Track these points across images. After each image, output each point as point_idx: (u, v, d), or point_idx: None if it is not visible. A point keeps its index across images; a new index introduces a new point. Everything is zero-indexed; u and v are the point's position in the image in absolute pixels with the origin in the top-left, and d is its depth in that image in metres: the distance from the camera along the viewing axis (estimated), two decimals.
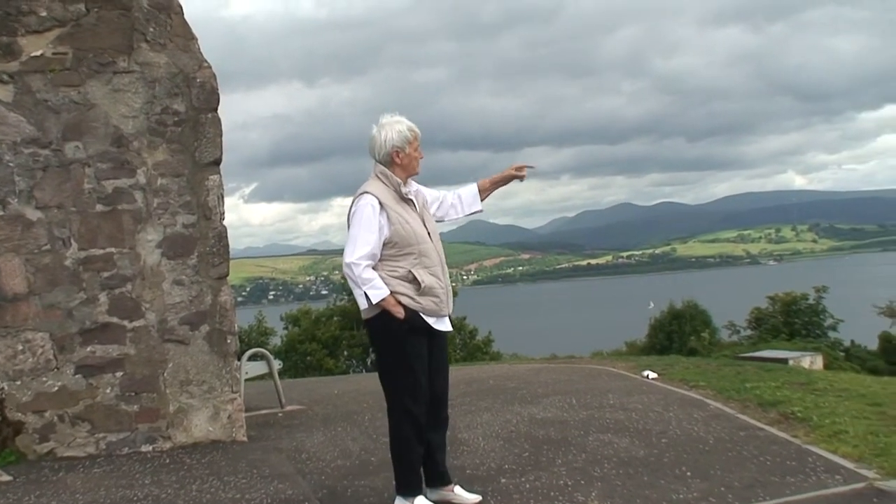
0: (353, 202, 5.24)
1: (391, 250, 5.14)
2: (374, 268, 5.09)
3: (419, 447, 5.22)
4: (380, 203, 5.14)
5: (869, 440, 6.20)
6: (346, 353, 36.99)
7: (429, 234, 5.29)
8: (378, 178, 5.29)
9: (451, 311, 5.41)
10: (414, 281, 5.12)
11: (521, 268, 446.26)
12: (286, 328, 39.43)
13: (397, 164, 5.25)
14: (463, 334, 41.24)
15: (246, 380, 9.42)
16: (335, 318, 37.72)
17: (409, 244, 5.15)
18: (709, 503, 5.11)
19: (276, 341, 39.15)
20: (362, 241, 5.07)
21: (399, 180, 5.25)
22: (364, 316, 5.24)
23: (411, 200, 5.32)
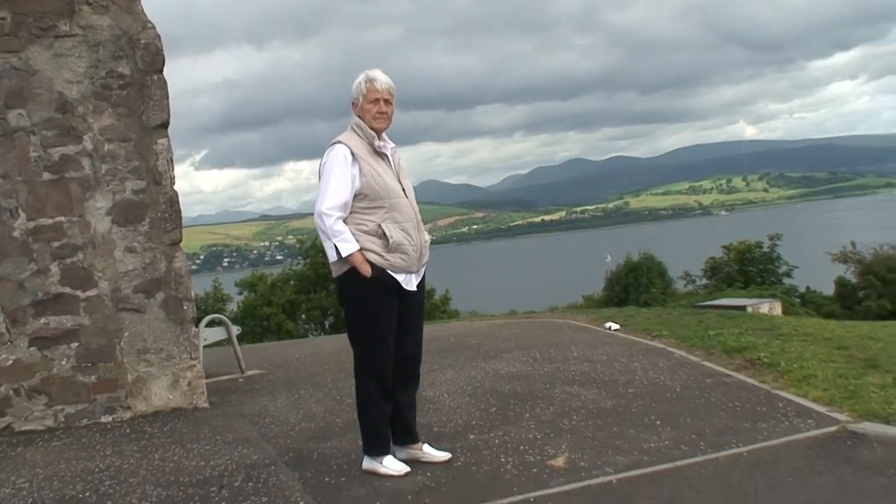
0: (325, 152, 5.11)
1: (361, 203, 5.02)
2: (343, 221, 4.97)
3: (385, 405, 5.12)
4: (352, 153, 5.02)
5: (839, 383, 6.20)
6: (304, 316, 36.90)
7: (403, 190, 5.17)
8: (353, 129, 5.18)
9: (422, 269, 5.28)
10: (383, 237, 5.00)
11: (475, 226, 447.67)
12: (241, 294, 39.24)
13: (359, 116, 5.14)
14: None
15: (204, 346, 9.29)
16: (291, 283, 37.59)
17: (380, 197, 5.02)
18: (681, 451, 5.07)
19: (232, 307, 38.96)
20: (333, 190, 4.95)
21: (373, 133, 5.13)
22: (334, 273, 5.14)
23: (386, 155, 5.19)
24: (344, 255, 4.93)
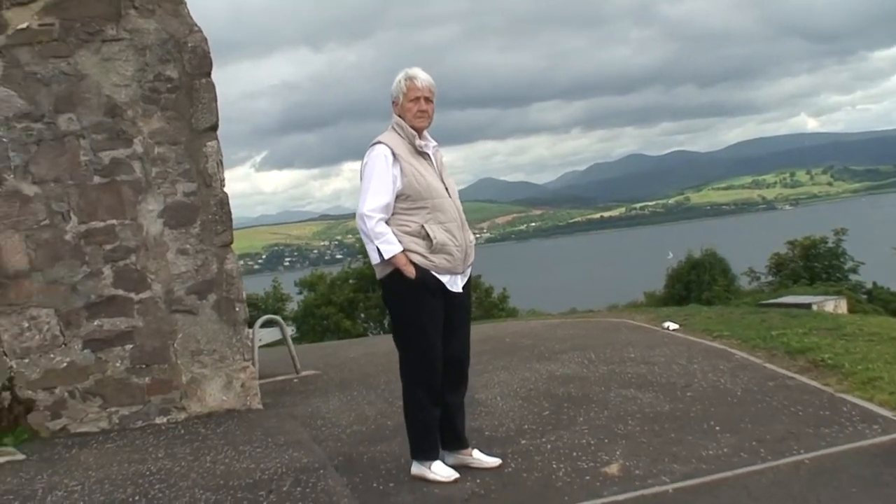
0: (366, 153, 5.03)
1: (403, 203, 4.93)
2: (386, 222, 4.89)
3: (434, 410, 5.03)
4: (393, 154, 4.93)
5: None
6: (363, 315, 37.01)
7: (446, 189, 5.07)
8: (393, 129, 5.08)
9: (468, 270, 5.18)
10: (426, 237, 4.90)
11: (533, 224, 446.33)
12: (300, 293, 39.47)
13: (399, 115, 5.05)
14: (478, 292, 41.25)
15: (260, 346, 9.31)
16: (350, 281, 37.72)
17: (422, 198, 4.93)
18: (741, 458, 4.90)
19: (292, 307, 39.21)
20: (375, 191, 4.87)
21: (414, 132, 5.03)
22: (378, 275, 5.06)
23: (427, 155, 5.10)
24: (387, 257, 4.85)
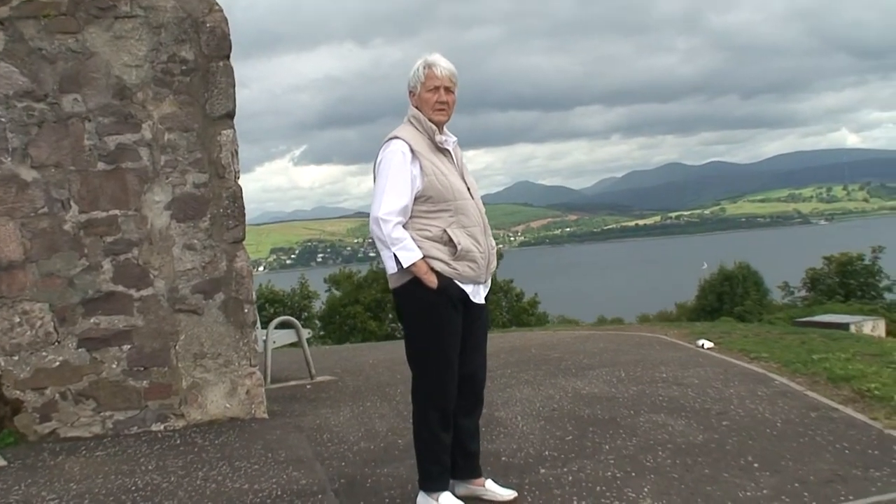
0: (380, 149, 4.54)
1: (423, 206, 4.43)
2: (403, 226, 4.41)
3: (445, 436, 4.54)
4: (411, 150, 4.43)
5: None
6: (390, 315, 36.71)
7: (468, 189, 4.59)
8: (410, 122, 4.58)
9: (489, 279, 4.71)
10: (449, 243, 4.41)
11: (568, 229, 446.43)
12: (328, 290, 39.23)
13: (416, 107, 4.57)
14: (509, 297, 40.86)
15: (274, 349, 8.91)
16: (379, 282, 37.45)
17: (444, 199, 4.43)
18: (782, 503, 4.40)
19: (319, 305, 38.96)
20: (391, 192, 4.35)
21: (433, 126, 4.53)
22: (392, 284, 4.54)
23: (448, 151, 4.61)
24: (405, 264, 4.34)
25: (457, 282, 4.45)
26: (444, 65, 4.51)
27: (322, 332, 35.87)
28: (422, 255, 4.36)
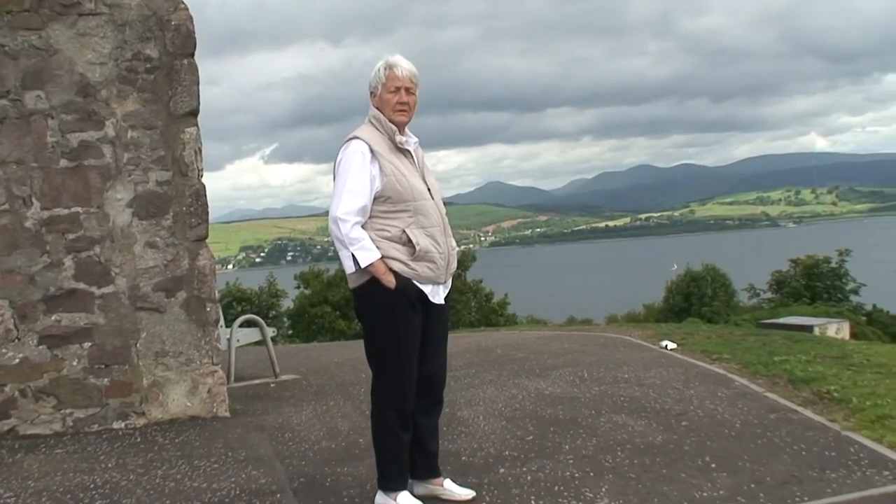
0: (340, 149, 4.54)
1: (383, 206, 4.44)
2: (362, 226, 4.42)
3: (404, 435, 4.55)
4: (371, 150, 4.44)
5: None
6: None
7: (429, 190, 4.60)
8: (371, 122, 4.59)
9: (449, 280, 4.71)
10: (408, 243, 4.42)
11: (539, 229, 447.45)
12: (298, 287, 39.08)
13: (377, 108, 4.58)
14: (479, 297, 40.86)
15: (238, 347, 8.88)
16: (347, 282, 37.46)
17: (403, 200, 4.44)
18: (737, 503, 4.45)
19: (288, 303, 38.79)
20: (350, 192, 4.36)
21: (393, 127, 4.54)
22: (350, 284, 4.55)
23: (409, 152, 4.61)
24: (363, 264, 4.35)
25: (415, 282, 4.46)
26: (405, 66, 4.53)
27: (290, 332, 35.77)
28: (380, 256, 4.37)
